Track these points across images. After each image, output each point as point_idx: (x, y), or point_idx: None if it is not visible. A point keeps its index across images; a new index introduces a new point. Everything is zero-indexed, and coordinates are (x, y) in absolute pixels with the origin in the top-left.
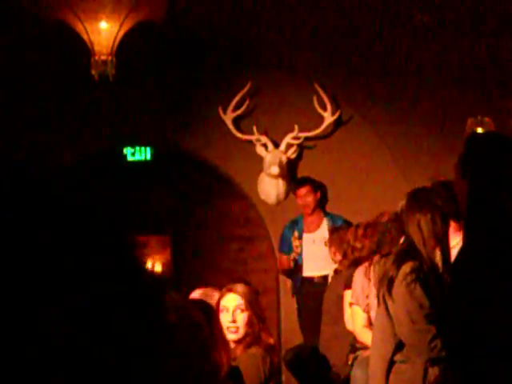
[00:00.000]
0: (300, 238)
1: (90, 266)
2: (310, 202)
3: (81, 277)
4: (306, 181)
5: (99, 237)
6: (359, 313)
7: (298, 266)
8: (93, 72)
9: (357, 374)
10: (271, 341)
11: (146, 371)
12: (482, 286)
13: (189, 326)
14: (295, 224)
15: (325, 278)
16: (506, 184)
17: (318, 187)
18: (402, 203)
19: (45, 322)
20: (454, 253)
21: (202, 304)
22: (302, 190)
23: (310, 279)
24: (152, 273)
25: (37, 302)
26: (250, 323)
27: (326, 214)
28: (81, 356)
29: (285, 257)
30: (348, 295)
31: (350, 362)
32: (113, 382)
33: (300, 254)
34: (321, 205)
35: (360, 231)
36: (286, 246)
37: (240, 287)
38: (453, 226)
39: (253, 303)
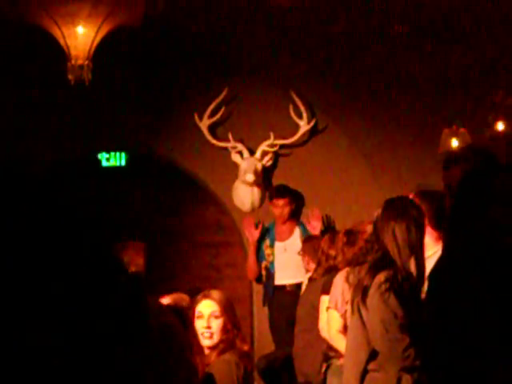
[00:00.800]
0: (272, 246)
1: (70, 272)
2: (285, 212)
3: (61, 283)
4: (285, 192)
5: (78, 240)
6: (335, 317)
7: (269, 274)
8: (69, 77)
9: (334, 382)
10: (246, 347)
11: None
12: (458, 295)
13: (166, 330)
14: (267, 232)
15: (297, 286)
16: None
17: (295, 199)
18: (377, 212)
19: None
20: (432, 262)
21: (176, 309)
22: (280, 201)
23: (282, 287)
24: (130, 274)
25: (22, 313)
26: (224, 330)
27: (299, 224)
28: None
29: (256, 265)
30: (325, 301)
31: (323, 371)
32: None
33: (272, 262)
34: (294, 214)
35: (337, 239)
36: (257, 255)
37: (216, 294)
38: (433, 235)
39: (228, 310)
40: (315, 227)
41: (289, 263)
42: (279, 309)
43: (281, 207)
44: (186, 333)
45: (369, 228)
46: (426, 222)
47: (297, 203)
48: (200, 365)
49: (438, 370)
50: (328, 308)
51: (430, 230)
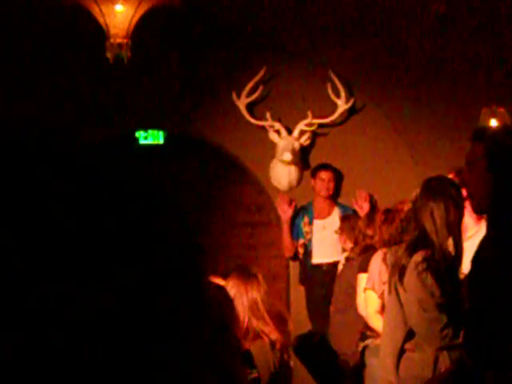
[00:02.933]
0: (310, 223)
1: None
2: (330, 187)
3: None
4: (329, 166)
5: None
6: (373, 298)
7: (307, 251)
8: (108, 55)
9: (373, 362)
10: (274, 336)
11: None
12: (503, 278)
13: (215, 301)
14: (305, 210)
15: (333, 264)
16: None
17: (338, 176)
18: (416, 192)
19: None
20: (473, 243)
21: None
22: (327, 174)
23: (319, 266)
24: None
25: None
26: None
27: (337, 204)
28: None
29: (291, 243)
30: (362, 279)
31: (359, 350)
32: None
33: (310, 240)
34: (334, 193)
35: (375, 218)
36: (295, 233)
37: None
38: (474, 216)
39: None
40: (363, 208)
41: (326, 241)
42: (316, 287)
43: (327, 180)
44: (232, 309)
45: (406, 207)
46: (467, 202)
47: (337, 182)
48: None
49: (478, 349)
50: (365, 289)
51: (471, 210)
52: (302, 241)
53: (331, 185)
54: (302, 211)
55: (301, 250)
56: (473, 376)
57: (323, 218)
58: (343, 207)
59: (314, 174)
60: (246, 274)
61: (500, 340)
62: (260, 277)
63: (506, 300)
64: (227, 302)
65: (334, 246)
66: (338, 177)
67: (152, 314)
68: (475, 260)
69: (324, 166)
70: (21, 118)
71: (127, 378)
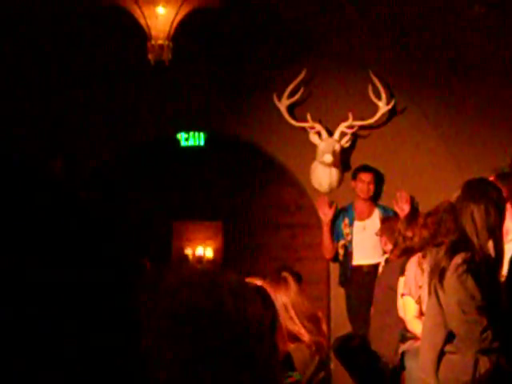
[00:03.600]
0: (351, 224)
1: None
2: (371, 188)
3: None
4: (370, 168)
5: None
6: (411, 303)
7: (347, 253)
8: (149, 57)
9: (413, 365)
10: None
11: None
12: None
13: (247, 310)
14: (345, 211)
15: (374, 266)
16: None
17: (378, 178)
18: (456, 194)
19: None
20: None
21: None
22: (368, 176)
23: (359, 268)
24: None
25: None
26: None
27: (377, 205)
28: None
29: (331, 244)
30: (402, 282)
31: (399, 352)
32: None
33: (350, 242)
34: (374, 194)
35: (416, 220)
36: (335, 235)
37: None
38: None
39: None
40: (403, 209)
41: (367, 243)
42: (356, 289)
43: (367, 183)
44: (266, 311)
45: (441, 209)
46: (508, 204)
47: (378, 184)
48: (281, 345)
49: None
50: (402, 294)
51: None
52: (342, 242)
53: (371, 187)
54: (342, 213)
55: (341, 252)
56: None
57: (363, 219)
58: (383, 209)
59: (354, 176)
60: (275, 278)
61: None
62: (290, 279)
63: None
64: (266, 301)
65: (374, 248)
66: (379, 179)
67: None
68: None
69: (365, 168)
70: (63, 119)
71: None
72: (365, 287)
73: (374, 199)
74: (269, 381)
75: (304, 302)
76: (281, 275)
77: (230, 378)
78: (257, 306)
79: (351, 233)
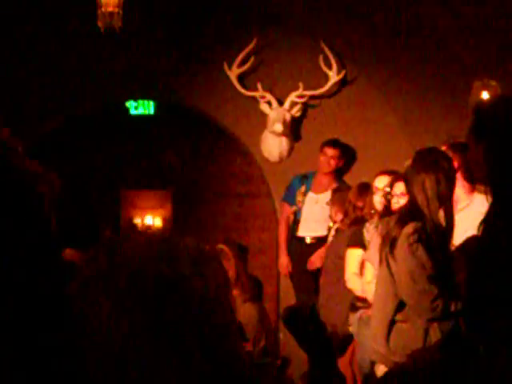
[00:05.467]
0: (305, 194)
1: None
2: (331, 163)
3: None
4: (337, 144)
5: None
6: (353, 259)
7: (295, 220)
8: (99, 24)
9: (364, 333)
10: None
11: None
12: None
13: (206, 275)
14: (305, 179)
15: (317, 239)
16: None
17: (345, 156)
18: (407, 163)
19: None
20: (464, 215)
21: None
22: (331, 150)
23: (302, 239)
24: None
25: None
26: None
27: (340, 182)
28: None
29: (288, 207)
30: (351, 253)
31: (350, 321)
32: None
33: (300, 210)
34: (337, 173)
35: (367, 191)
36: (291, 197)
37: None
38: (466, 187)
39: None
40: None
41: (315, 216)
42: (298, 260)
43: (329, 157)
44: (225, 275)
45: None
46: (458, 174)
47: (345, 162)
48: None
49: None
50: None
51: (463, 182)
52: (294, 208)
53: (332, 162)
54: (302, 178)
55: (291, 217)
56: (464, 348)
57: (319, 192)
58: (343, 184)
59: (321, 148)
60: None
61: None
62: (226, 251)
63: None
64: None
65: (320, 222)
66: (348, 156)
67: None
68: (482, 227)
69: (330, 142)
70: (10, 85)
71: None
72: (305, 259)
73: (339, 175)
74: (230, 345)
75: (241, 276)
76: (217, 247)
77: (192, 344)
78: (216, 270)
79: (303, 202)
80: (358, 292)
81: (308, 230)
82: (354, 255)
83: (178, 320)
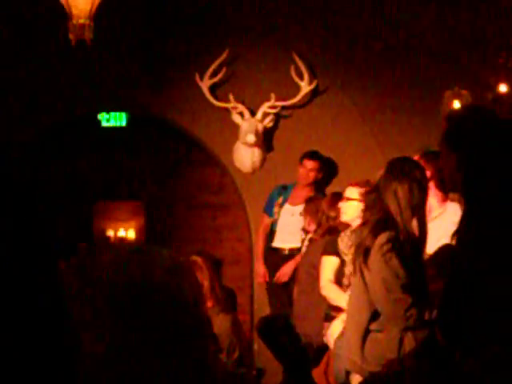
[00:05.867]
0: (281, 206)
1: None
2: (310, 176)
3: None
4: (317, 157)
5: None
6: (328, 267)
7: (272, 231)
8: (70, 36)
9: (339, 344)
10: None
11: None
12: (486, 255)
13: (180, 283)
14: (284, 190)
15: (291, 250)
16: (498, 152)
17: (324, 169)
18: (380, 172)
19: None
20: (437, 224)
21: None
22: (310, 163)
23: (277, 250)
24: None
25: None
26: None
27: (318, 193)
28: None
29: (267, 218)
30: (326, 260)
31: (324, 331)
32: None
33: (276, 222)
34: (315, 184)
35: (340, 200)
36: (269, 208)
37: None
38: (439, 196)
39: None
40: None
41: (291, 228)
42: (272, 271)
43: (308, 169)
44: (199, 285)
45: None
46: (431, 183)
47: (324, 175)
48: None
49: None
50: None
51: (436, 191)
52: (271, 219)
53: (311, 174)
54: (281, 189)
55: (267, 228)
56: (440, 355)
57: (295, 204)
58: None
59: (300, 161)
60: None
61: (478, 318)
62: (200, 262)
63: (483, 277)
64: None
65: (294, 234)
66: (327, 170)
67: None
68: (456, 237)
69: (309, 155)
70: None
71: None
72: (277, 269)
73: (320, 188)
74: (204, 352)
75: (215, 287)
76: (190, 259)
77: (167, 350)
78: (190, 279)
79: (279, 213)
80: (332, 300)
81: (283, 242)
82: (329, 262)
83: (153, 326)
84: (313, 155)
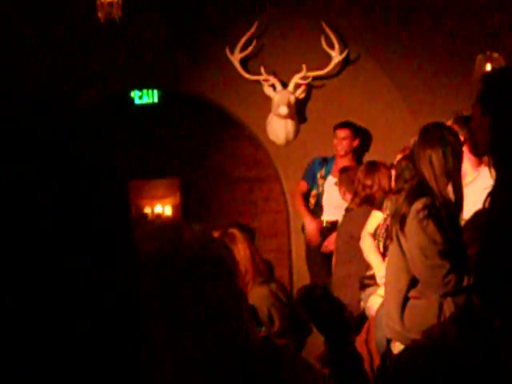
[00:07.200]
0: (325, 177)
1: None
2: (344, 144)
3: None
4: (347, 124)
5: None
6: (375, 219)
7: (317, 203)
8: (99, 15)
9: (379, 311)
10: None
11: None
12: None
13: (214, 257)
14: (325, 162)
15: (333, 223)
16: None
17: (357, 133)
18: (413, 139)
19: None
20: (472, 188)
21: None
22: (341, 132)
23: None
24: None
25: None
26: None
27: (359, 164)
28: None
29: (304, 184)
30: (373, 215)
31: (360, 300)
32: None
33: (321, 194)
34: (356, 155)
35: (375, 169)
36: (310, 178)
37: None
38: (473, 161)
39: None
40: None
41: (334, 201)
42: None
43: (341, 139)
44: (234, 258)
45: (398, 157)
46: (465, 148)
47: (361, 142)
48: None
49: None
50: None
51: (469, 155)
52: (315, 191)
53: (345, 143)
54: (323, 162)
55: (312, 201)
56: (479, 321)
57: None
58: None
59: (333, 132)
60: (221, 235)
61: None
62: (237, 235)
63: None
64: (230, 253)
65: (339, 206)
66: (361, 135)
67: None
68: (489, 202)
69: (340, 124)
70: (13, 80)
71: None
72: (323, 240)
73: (358, 157)
74: (242, 327)
75: (255, 258)
76: (227, 232)
77: (207, 329)
78: (224, 255)
79: (322, 185)
80: (365, 255)
81: (328, 214)
82: (375, 217)
83: (191, 302)
84: (344, 124)
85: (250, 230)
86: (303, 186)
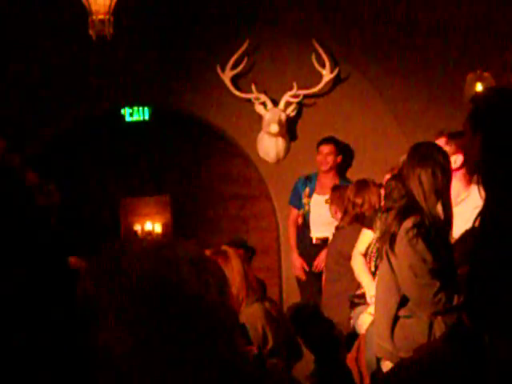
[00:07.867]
0: (309, 196)
1: None
2: (328, 160)
3: None
4: (330, 140)
5: None
6: (365, 240)
7: (305, 222)
8: (90, 32)
9: (370, 330)
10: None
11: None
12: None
13: (207, 279)
14: (309, 181)
15: (323, 240)
16: None
17: (340, 150)
18: (403, 158)
19: None
20: (463, 207)
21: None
22: (325, 147)
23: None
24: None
25: None
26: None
27: (342, 180)
28: None
29: (295, 210)
30: (363, 234)
31: (350, 318)
32: None
33: (308, 213)
34: (339, 171)
35: (365, 187)
36: (296, 200)
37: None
38: (463, 181)
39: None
40: None
41: (322, 218)
42: (306, 260)
43: (325, 154)
44: (225, 278)
45: (386, 176)
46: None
47: (343, 157)
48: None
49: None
50: None
51: (461, 175)
52: (301, 211)
53: (329, 158)
54: (305, 180)
55: (299, 220)
56: (469, 339)
57: (324, 194)
58: (347, 183)
59: (317, 149)
60: (214, 252)
61: (503, 301)
62: (230, 253)
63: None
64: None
65: (328, 224)
66: (345, 152)
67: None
68: (479, 222)
69: (323, 140)
70: (4, 95)
71: None
72: (314, 259)
73: (341, 173)
74: (231, 347)
75: (248, 276)
76: (220, 249)
77: (194, 348)
78: (216, 274)
79: (309, 204)
80: (356, 274)
81: (315, 232)
82: (366, 236)
83: (180, 321)
84: (327, 140)
85: (248, 246)
86: (294, 213)
